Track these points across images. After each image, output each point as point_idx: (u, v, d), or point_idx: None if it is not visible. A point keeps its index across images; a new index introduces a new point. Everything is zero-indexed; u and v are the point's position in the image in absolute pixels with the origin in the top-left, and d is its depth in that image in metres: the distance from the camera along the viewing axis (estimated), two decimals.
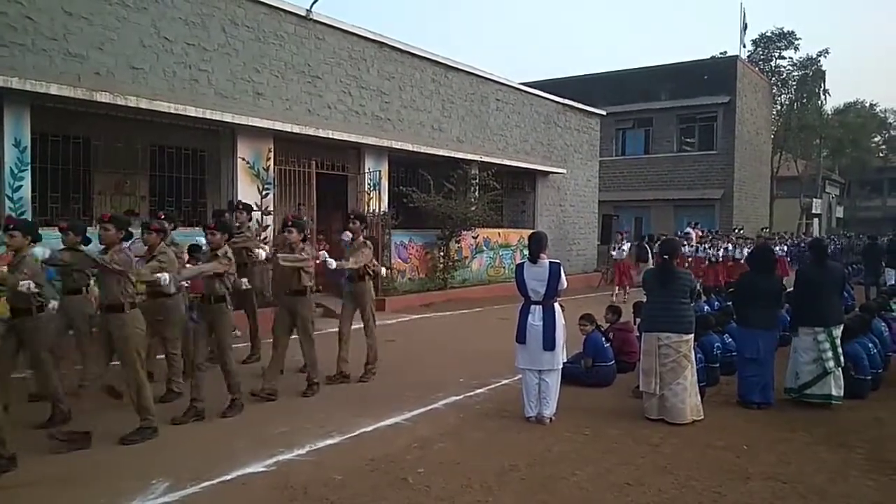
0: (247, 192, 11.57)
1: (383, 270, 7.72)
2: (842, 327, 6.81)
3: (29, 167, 8.88)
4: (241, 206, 8.89)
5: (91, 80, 9.47)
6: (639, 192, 30.81)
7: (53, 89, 8.62)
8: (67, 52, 9.45)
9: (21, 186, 8.77)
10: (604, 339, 7.64)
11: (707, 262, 18.79)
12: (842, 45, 73.39)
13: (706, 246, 19.42)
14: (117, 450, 5.15)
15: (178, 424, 5.75)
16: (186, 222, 11.62)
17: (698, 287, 7.45)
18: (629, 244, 17.28)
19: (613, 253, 17.20)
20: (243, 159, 11.57)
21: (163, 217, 7.55)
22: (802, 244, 28.08)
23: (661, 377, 6.03)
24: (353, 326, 7.65)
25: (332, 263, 7.14)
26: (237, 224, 8.55)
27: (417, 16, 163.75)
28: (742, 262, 19.55)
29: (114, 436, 5.38)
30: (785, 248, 24.74)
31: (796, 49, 36.71)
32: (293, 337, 7.00)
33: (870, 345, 7.36)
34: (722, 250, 19.32)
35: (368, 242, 7.65)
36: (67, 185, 10.30)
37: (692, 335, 6.17)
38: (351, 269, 7.42)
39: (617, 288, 16.42)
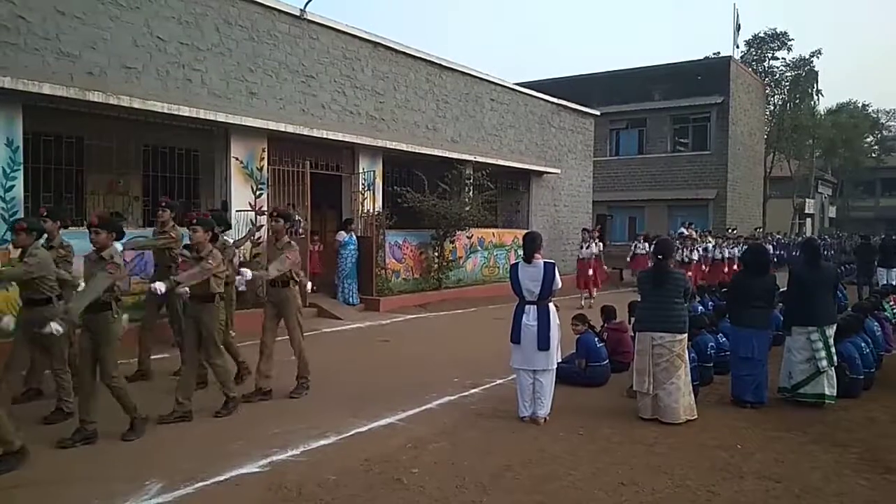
0: (240, 192, 11.54)
1: (309, 285, 6.80)
2: (835, 327, 6.84)
3: (21, 167, 8.82)
4: (163, 204, 7.83)
5: (84, 80, 9.42)
6: (633, 193, 30.88)
7: (46, 89, 8.56)
8: (60, 51, 9.40)
9: (13, 186, 8.72)
10: (597, 339, 7.65)
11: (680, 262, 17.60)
12: (835, 46, 73.81)
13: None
14: (111, 451, 5.13)
15: (65, 448, 5.15)
16: (179, 222, 11.62)
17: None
18: (597, 243, 16.26)
19: (581, 251, 15.91)
20: (237, 159, 11.53)
21: (44, 214, 6.63)
22: (792, 244, 28.14)
23: (655, 377, 6.05)
24: (282, 338, 6.96)
25: (248, 274, 6.46)
26: (160, 222, 7.70)
27: (412, 15, 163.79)
28: (724, 262, 19.09)
29: (108, 436, 5.36)
30: (770, 248, 24.67)
31: (789, 50, 36.99)
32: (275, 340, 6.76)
33: (862, 344, 7.39)
34: (697, 251, 18.34)
35: (294, 244, 6.90)
36: (60, 185, 10.27)
37: (686, 335, 6.20)
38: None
39: (582, 293, 15.26)
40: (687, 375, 6.12)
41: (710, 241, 19.93)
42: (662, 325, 6.10)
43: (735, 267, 18.90)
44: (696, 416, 6.08)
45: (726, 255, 19.42)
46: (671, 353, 6.04)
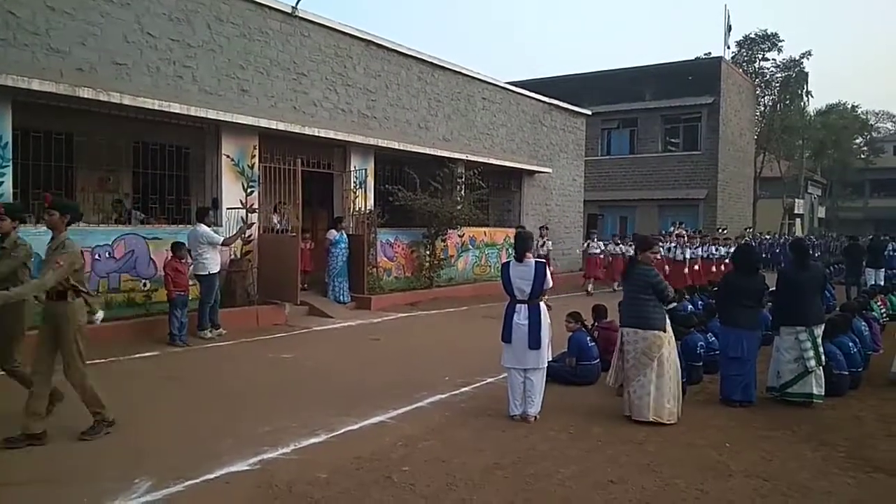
0: (231, 189, 11.51)
1: (99, 314, 5.54)
2: (823, 326, 6.89)
3: (10, 163, 8.77)
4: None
5: (74, 76, 9.37)
6: (624, 192, 31.00)
7: (35, 85, 8.50)
8: (50, 47, 9.35)
9: (2, 183, 8.67)
10: (588, 337, 7.67)
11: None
12: (824, 48, 74.26)
13: (623, 246, 18.16)
14: (99, 449, 5.10)
15: None
16: (170, 220, 11.58)
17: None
18: (542, 242, 15.82)
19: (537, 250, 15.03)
20: (228, 156, 11.49)
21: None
22: (774, 245, 28.14)
23: (626, 373, 6.11)
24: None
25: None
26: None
27: (404, 13, 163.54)
28: (684, 263, 17.53)
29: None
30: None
31: (780, 51, 37.20)
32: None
33: (850, 343, 7.45)
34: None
35: (71, 242, 5.25)
36: (50, 182, 10.16)
37: (657, 332, 5.99)
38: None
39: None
40: (662, 376, 5.93)
41: (671, 242, 18.34)
42: (629, 320, 6.14)
43: (696, 268, 17.75)
44: (671, 421, 5.92)
45: (688, 255, 17.88)
46: (635, 350, 6.03)
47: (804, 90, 37.75)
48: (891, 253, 19.31)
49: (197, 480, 4.50)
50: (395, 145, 14.47)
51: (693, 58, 31.92)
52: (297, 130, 12.18)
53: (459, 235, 16.42)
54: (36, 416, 5.13)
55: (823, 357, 6.72)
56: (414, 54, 15.95)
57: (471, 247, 17.20)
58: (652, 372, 5.96)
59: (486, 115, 18.57)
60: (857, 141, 50.86)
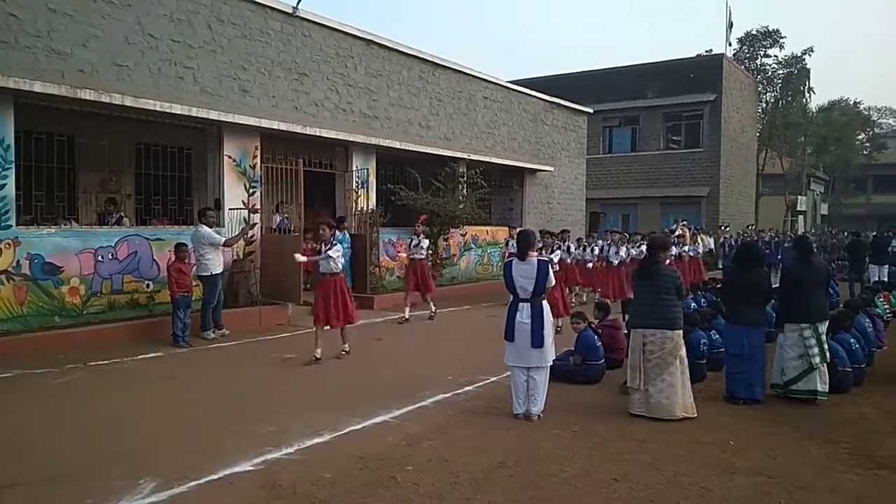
0: (233, 190, 11.52)
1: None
2: (827, 323, 6.88)
3: (13, 165, 8.77)
4: None
5: (75, 78, 9.38)
6: (626, 190, 30.98)
7: (37, 86, 8.51)
8: (51, 48, 9.35)
9: (5, 185, 8.68)
10: (595, 336, 7.66)
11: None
12: (827, 44, 74.12)
13: (571, 246, 14.45)
14: (104, 449, 5.11)
15: None
16: (173, 220, 11.58)
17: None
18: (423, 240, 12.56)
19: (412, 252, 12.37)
20: (230, 157, 11.50)
21: None
22: (780, 242, 27.90)
23: (646, 373, 6.07)
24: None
25: None
26: None
27: (406, 12, 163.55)
28: (619, 266, 14.41)
29: (102, 434, 5.35)
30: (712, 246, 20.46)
31: (781, 47, 37.09)
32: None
33: (851, 340, 7.43)
34: (590, 251, 14.40)
35: None
36: (52, 184, 10.19)
37: (679, 331, 6.17)
38: None
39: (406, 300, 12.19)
40: (683, 374, 6.09)
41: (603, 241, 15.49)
42: (653, 321, 6.12)
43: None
44: (695, 415, 6.05)
45: (623, 256, 14.60)
46: (661, 350, 6.04)
47: (806, 87, 37.62)
48: (894, 249, 19.26)
49: (201, 481, 4.51)
50: (397, 145, 14.47)
51: (695, 55, 31.84)
52: (298, 130, 12.19)
53: (462, 235, 16.43)
54: None
55: (828, 354, 6.71)
56: (415, 53, 15.95)
57: (473, 246, 17.22)
58: (677, 370, 6.03)
59: (487, 113, 18.57)
60: (860, 137, 50.70)
